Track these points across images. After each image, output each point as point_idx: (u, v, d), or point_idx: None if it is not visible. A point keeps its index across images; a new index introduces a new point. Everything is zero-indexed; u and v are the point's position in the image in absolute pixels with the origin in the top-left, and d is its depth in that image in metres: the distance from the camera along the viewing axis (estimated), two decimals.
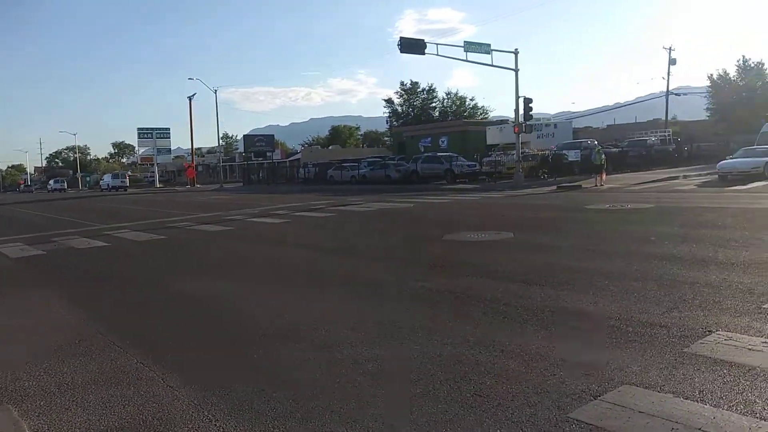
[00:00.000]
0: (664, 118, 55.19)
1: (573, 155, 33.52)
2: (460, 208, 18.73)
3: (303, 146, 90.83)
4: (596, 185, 24.91)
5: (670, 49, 54.33)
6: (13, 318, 6.91)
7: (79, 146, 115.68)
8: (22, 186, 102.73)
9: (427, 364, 4.55)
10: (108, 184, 67.14)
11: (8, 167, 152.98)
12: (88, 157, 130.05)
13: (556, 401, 3.76)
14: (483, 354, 4.71)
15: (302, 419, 3.71)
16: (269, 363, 4.84)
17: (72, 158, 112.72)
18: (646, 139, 40.79)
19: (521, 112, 29.90)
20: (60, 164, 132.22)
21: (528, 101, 29.69)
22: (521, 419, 3.55)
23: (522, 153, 32.25)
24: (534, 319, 5.62)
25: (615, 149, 36.92)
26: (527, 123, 30.43)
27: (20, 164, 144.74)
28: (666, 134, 43.93)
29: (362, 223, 16.14)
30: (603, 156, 26.27)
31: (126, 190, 63.29)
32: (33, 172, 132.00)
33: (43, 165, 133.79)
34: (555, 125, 44.90)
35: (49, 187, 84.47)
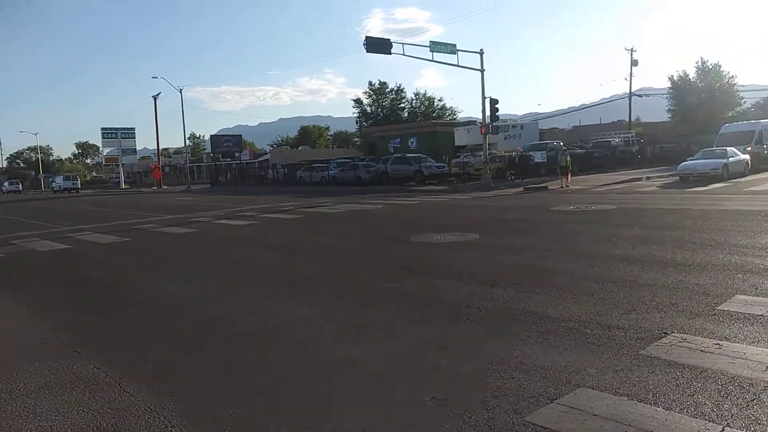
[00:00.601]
0: (627, 119, 56.30)
1: (539, 156, 33.97)
2: (428, 210, 18.83)
3: (272, 147, 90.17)
4: (562, 186, 25.30)
5: (632, 50, 55.36)
6: None
7: (41, 146, 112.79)
8: (5, 185, 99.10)
9: (387, 366, 4.57)
10: (60, 186, 68.25)
11: None
12: (51, 158, 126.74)
13: (513, 404, 3.81)
14: (442, 356, 4.74)
15: (260, 424, 3.69)
16: (233, 364, 4.81)
17: (34, 159, 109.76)
18: (611, 140, 41.57)
19: (488, 113, 30.16)
20: (21, 165, 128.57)
21: (494, 102, 29.98)
22: (478, 423, 3.59)
23: (489, 154, 32.54)
24: (495, 321, 5.69)
25: (580, 150, 37.51)
26: (494, 124, 30.71)
27: None
28: (630, 135, 44.85)
29: (331, 224, 16.10)
30: (568, 158, 26.71)
31: (78, 192, 63.55)
32: None
33: (4, 166, 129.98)
34: (522, 126, 45.44)
35: (3, 188, 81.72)
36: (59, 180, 72.30)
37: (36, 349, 5.54)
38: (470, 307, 6.22)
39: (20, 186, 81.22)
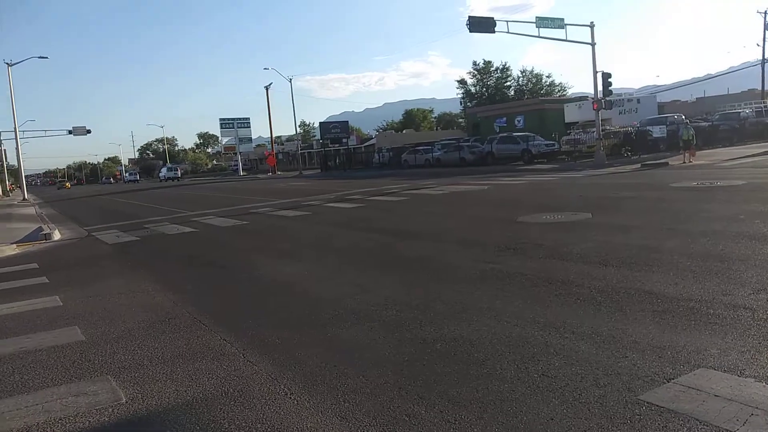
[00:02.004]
0: (759, 88, 51.22)
1: (658, 131, 31.89)
2: (536, 189, 18.34)
3: (378, 131, 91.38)
4: (684, 162, 23.66)
5: (765, 13, 50.20)
6: (111, 299, 7.49)
7: (167, 137, 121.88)
8: (127, 176, 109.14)
9: (494, 345, 4.58)
10: (164, 176, 78.46)
11: (105, 160, 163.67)
12: (176, 148, 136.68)
13: (627, 383, 3.70)
14: (552, 336, 4.68)
15: (371, 394, 3.86)
16: (341, 341, 5.03)
17: (161, 149, 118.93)
18: (740, 112, 38.06)
19: (600, 87, 28.73)
20: (150, 155, 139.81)
21: (607, 76, 28.48)
22: (589, 400, 3.53)
23: (603, 130, 31.01)
24: (608, 301, 5.51)
25: (705, 123, 34.76)
26: (607, 99, 29.19)
27: (115, 156, 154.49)
28: (762, 106, 40.86)
29: (435, 206, 16.16)
30: (691, 131, 24.87)
31: (178, 180, 73.05)
32: (127, 164, 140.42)
33: (136, 156, 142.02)
34: (638, 100, 42.75)
35: (160, 176, 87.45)
36: (164, 170, 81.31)
37: (169, 321, 6.11)
38: (580, 286, 6.06)
39: (178, 173, 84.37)
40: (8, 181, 77.85)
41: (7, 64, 43.69)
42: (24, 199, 44.67)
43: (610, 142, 32.13)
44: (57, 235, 15.51)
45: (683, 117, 34.07)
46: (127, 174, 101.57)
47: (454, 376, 4.04)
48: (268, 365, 4.57)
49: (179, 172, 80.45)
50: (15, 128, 47.78)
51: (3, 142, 64.20)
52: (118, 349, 5.30)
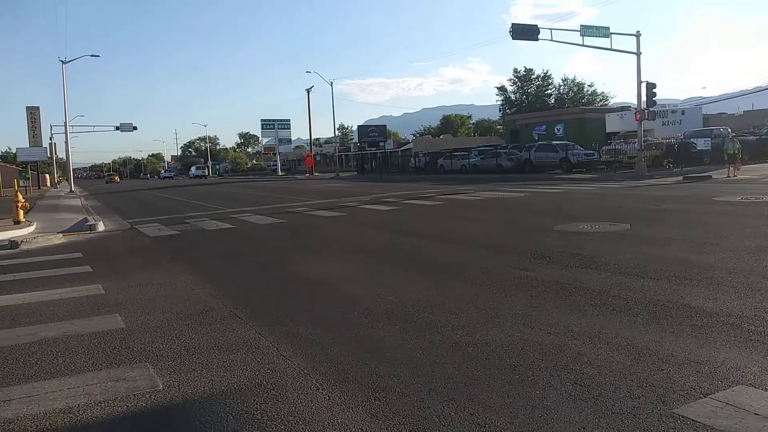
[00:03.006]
0: None
1: (702, 144, 31.12)
2: (574, 199, 18.09)
3: (415, 136, 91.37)
4: (728, 176, 23.03)
5: None
6: (151, 289, 7.70)
7: (209, 136, 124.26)
8: (162, 172, 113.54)
9: (527, 352, 4.55)
10: (193, 174, 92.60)
11: (149, 156, 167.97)
12: (218, 147, 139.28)
13: (662, 396, 3.64)
14: (587, 345, 4.63)
15: (402, 394, 3.88)
16: (373, 340, 5.07)
17: (203, 148, 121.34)
18: None
19: (644, 98, 28.17)
20: (193, 153, 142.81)
21: (651, 86, 27.90)
22: (622, 411, 3.49)
23: (645, 141, 30.38)
24: (645, 312, 5.41)
25: (752, 137, 33.76)
26: (650, 109, 28.61)
27: (159, 153, 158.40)
28: None
29: (470, 211, 16.09)
30: (737, 144, 24.20)
31: (206, 178, 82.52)
32: (170, 160, 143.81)
33: (179, 154, 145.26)
34: (682, 112, 41.75)
35: (190, 173, 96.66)
36: (193, 169, 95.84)
37: (205, 313, 6.25)
38: (617, 297, 5.97)
39: (206, 171, 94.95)
40: (56, 173, 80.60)
41: (62, 61, 45.32)
42: (71, 191, 46.19)
43: (651, 153, 31.48)
44: (101, 227, 16.00)
45: (729, 130, 33.13)
46: (163, 171, 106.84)
47: (485, 380, 4.04)
48: (300, 360, 4.64)
49: (206, 171, 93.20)
50: (65, 123, 49.49)
51: (54, 136, 66.58)
52: (157, 337, 5.46)
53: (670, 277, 6.71)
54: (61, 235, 14.48)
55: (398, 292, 6.71)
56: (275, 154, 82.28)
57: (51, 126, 66.06)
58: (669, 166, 29.66)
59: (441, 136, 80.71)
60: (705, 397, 3.59)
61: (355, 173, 60.87)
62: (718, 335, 4.68)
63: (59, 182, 76.50)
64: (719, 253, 7.94)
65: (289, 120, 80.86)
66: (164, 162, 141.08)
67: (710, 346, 4.47)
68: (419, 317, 5.64)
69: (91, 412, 3.85)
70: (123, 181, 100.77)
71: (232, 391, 4.09)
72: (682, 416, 3.37)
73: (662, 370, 4.05)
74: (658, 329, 4.92)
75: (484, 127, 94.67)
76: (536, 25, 28.05)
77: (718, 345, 4.47)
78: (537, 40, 27.86)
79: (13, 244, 12.82)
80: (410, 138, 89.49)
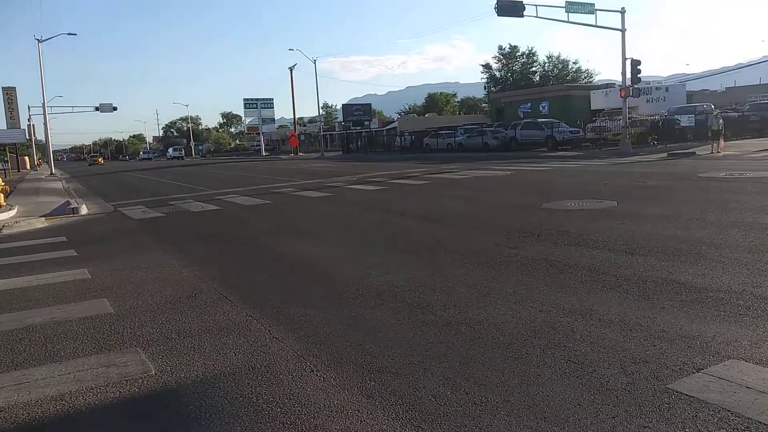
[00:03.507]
0: None
1: (686, 120, 31.31)
2: (560, 176, 18.15)
3: (400, 115, 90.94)
4: (712, 152, 23.22)
5: None
6: (138, 273, 7.61)
7: (191, 117, 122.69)
8: (141, 154, 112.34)
9: (519, 330, 4.57)
10: (170, 155, 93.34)
11: (130, 137, 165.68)
12: (200, 127, 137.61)
13: (655, 372, 3.67)
14: (578, 322, 4.65)
15: (396, 374, 3.88)
16: (365, 320, 5.05)
17: (185, 128, 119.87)
18: None
19: (628, 75, 28.19)
20: (175, 134, 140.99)
21: (636, 63, 27.93)
22: (616, 387, 3.51)
23: (630, 118, 30.50)
24: (635, 289, 5.45)
25: (735, 114, 34.01)
26: (635, 86, 28.68)
27: (140, 134, 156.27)
28: None
29: (457, 190, 16.08)
30: (721, 121, 24.35)
31: (182, 159, 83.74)
32: (151, 141, 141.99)
33: (160, 135, 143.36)
34: (666, 89, 41.91)
35: (168, 155, 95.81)
36: (170, 151, 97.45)
37: (195, 296, 6.20)
38: (606, 274, 6.01)
39: (182, 153, 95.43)
40: (36, 156, 79.23)
41: (38, 40, 44.28)
42: (51, 173, 45.46)
43: (636, 130, 31.59)
44: (84, 210, 15.77)
45: (712, 106, 33.35)
46: (142, 153, 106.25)
47: (479, 359, 4.05)
48: (293, 342, 4.61)
49: (183, 152, 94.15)
50: (44, 104, 48.51)
51: (32, 117, 65.28)
52: (146, 321, 5.40)
53: (659, 253, 6.76)
54: (43, 218, 14.26)
55: (389, 272, 6.69)
56: (258, 134, 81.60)
57: (29, 107, 64.68)
58: (653, 143, 29.81)
59: (426, 115, 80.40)
60: (698, 372, 3.63)
61: (340, 153, 60.54)
62: (708, 310, 4.73)
63: (39, 165, 75.26)
64: (706, 228, 8.01)
65: (272, 99, 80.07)
66: (145, 143, 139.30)
67: (700, 321, 4.51)
68: (410, 297, 5.63)
69: (83, 398, 3.80)
70: (104, 162, 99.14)
71: (225, 374, 4.06)
72: (676, 391, 3.40)
73: (654, 345, 4.08)
74: (648, 305, 4.96)
75: (469, 105, 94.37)
76: (521, 2, 27.84)
77: (708, 320, 4.52)
78: (522, 16, 27.70)
79: None
80: (395, 117, 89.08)
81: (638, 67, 27.96)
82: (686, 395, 3.34)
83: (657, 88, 41.54)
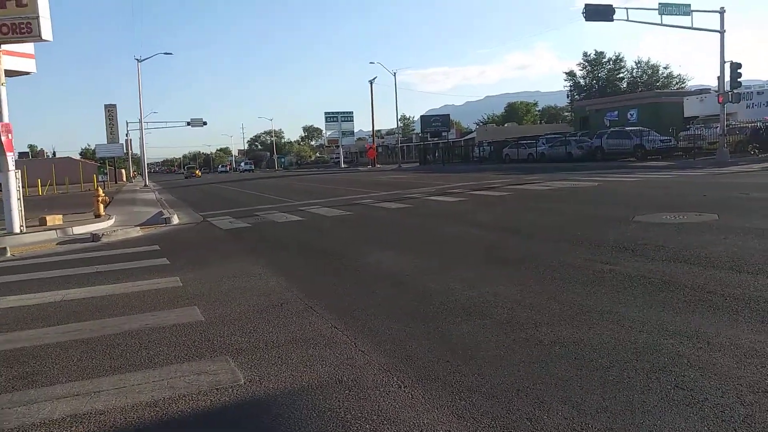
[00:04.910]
0: None
1: None
2: (653, 187, 17.24)
3: (478, 125, 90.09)
4: None
5: None
6: (227, 281, 7.82)
7: (274, 130, 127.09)
8: (227, 167, 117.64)
9: (619, 351, 4.27)
10: (242, 168, 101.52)
11: (217, 150, 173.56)
12: (283, 140, 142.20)
13: None
14: (684, 345, 4.30)
15: (488, 394, 3.71)
16: (451, 336, 4.90)
17: (269, 141, 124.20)
18: None
19: (727, 79, 26.55)
20: (259, 147, 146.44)
21: (736, 66, 26.26)
22: (733, 418, 3.19)
23: (728, 126, 28.66)
24: (746, 310, 5.00)
25: None
26: (735, 91, 26.93)
27: (227, 147, 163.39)
28: None
29: (541, 202, 15.60)
30: None
31: (252, 172, 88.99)
32: (237, 154, 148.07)
33: (245, 148, 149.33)
34: None
35: (240, 168, 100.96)
36: (242, 164, 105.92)
37: (281, 306, 6.26)
38: (713, 293, 5.55)
39: (252, 166, 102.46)
40: (131, 168, 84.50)
41: (137, 60, 47.26)
42: (145, 185, 48.25)
43: (734, 138, 29.68)
44: (176, 220, 16.55)
45: None
46: (242, 164, 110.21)
47: (577, 381, 3.81)
48: (379, 356, 4.54)
49: (252, 166, 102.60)
50: (140, 120, 51.66)
51: (129, 132, 69.74)
52: (235, 330, 5.50)
53: None
54: (138, 228, 15.06)
55: (474, 287, 6.51)
56: (338, 146, 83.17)
57: (127, 123, 69.16)
58: (754, 152, 27.83)
59: (506, 125, 79.19)
60: None
61: (417, 164, 60.62)
62: None
63: (134, 177, 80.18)
64: None
65: (352, 112, 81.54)
66: (231, 157, 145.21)
67: None
68: (498, 313, 5.43)
69: (176, 405, 3.88)
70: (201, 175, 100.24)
71: (312, 386, 4.03)
72: None
73: None
74: (763, 329, 4.53)
75: (550, 115, 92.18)
76: (611, 5, 26.84)
77: None
78: (612, 20, 26.72)
79: (95, 237, 13.42)
80: (473, 127, 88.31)
81: (738, 70, 26.27)
82: None
83: (759, 93, 38.81)
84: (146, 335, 5.51)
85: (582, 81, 72.23)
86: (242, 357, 4.73)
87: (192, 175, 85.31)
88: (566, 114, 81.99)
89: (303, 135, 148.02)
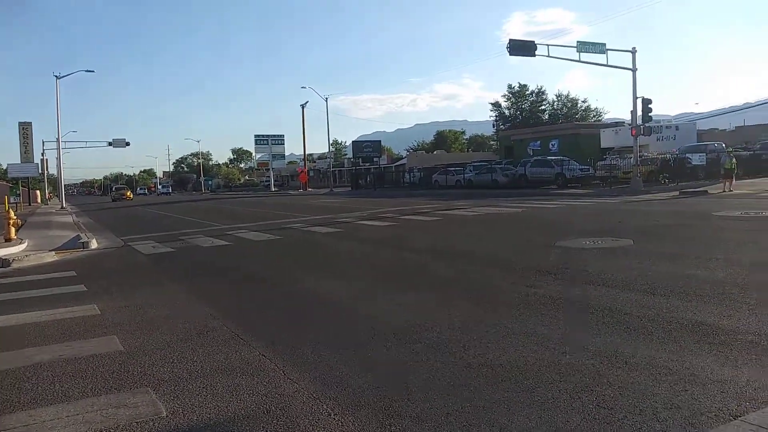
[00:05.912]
0: None
1: (697, 159, 31.28)
2: (572, 214, 18.03)
3: (408, 151, 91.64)
4: (724, 191, 23.08)
5: None
6: (148, 309, 7.49)
7: (202, 152, 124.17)
8: (152, 190, 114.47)
9: (543, 372, 4.40)
10: (160, 191, 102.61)
11: (140, 172, 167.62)
12: (210, 163, 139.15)
13: (689, 419, 3.49)
14: (604, 364, 4.48)
15: (417, 419, 3.71)
16: (382, 361, 4.90)
17: (196, 163, 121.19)
18: None
19: (639, 113, 28.35)
20: (185, 169, 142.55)
21: (647, 102, 28.11)
22: None
23: (640, 157, 30.51)
24: (660, 330, 5.28)
25: (745, 152, 33.95)
26: (646, 125, 28.78)
27: (151, 169, 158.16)
28: None
29: (469, 227, 15.98)
30: (734, 160, 24.33)
31: (169, 195, 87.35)
32: (162, 176, 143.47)
33: (171, 170, 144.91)
34: (677, 127, 42.10)
35: (158, 191, 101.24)
36: (160, 187, 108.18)
37: (206, 334, 6.06)
38: (629, 315, 5.84)
39: (170, 189, 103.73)
40: (47, 190, 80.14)
41: (56, 77, 45.15)
42: (62, 207, 45.78)
43: (646, 168, 31.56)
44: (94, 244, 15.75)
45: (723, 145, 33.36)
46: (160, 187, 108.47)
47: (504, 404, 3.87)
48: (308, 383, 4.46)
49: (170, 189, 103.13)
50: (58, 139, 49.22)
51: (45, 152, 66.19)
52: (157, 360, 5.26)
53: (681, 293, 6.59)
54: (53, 252, 14.23)
55: (404, 311, 6.55)
56: (268, 169, 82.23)
57: (43, 142, 65.53)
58: (664, 181, 29.70)
59: (435, 152, 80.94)
60: (735, 419, 3.45)
61: (349, 188, 60.77)
62: (739, 354, 4.55)
63: (50, 198, 76.00)
64: (727, 268, 7.84)
65: (282, 136, 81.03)
66: (156, 179, 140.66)
67: (731, 365, 4.33)
68: (429, 336, 5.48)
69: None
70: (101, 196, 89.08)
71: (239, 417, 3.90)
72: None
73: (686, 390, 3.91)
74: (675, 348, 4.78)
75: (477, 143, 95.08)
76: (533, 41, 28.23)
77: (739, 364, 4.34)
78: (534, 55, 28.05)
79: (4, 262, 12.58)
80: (404, 153, 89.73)
81: (649, 105, 28.10)
82: None
83: (667, 127, 41.68)
84: (60, 367, 5.17)
85: (507, 112, 75.11)
86: (164, 388, 4.52)
87: (122, 197, 68.34)
88: (492, 143, 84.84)
89: (232, 157, 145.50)
